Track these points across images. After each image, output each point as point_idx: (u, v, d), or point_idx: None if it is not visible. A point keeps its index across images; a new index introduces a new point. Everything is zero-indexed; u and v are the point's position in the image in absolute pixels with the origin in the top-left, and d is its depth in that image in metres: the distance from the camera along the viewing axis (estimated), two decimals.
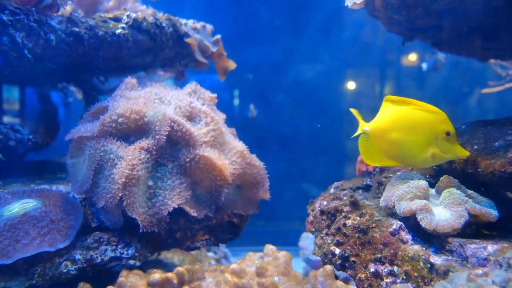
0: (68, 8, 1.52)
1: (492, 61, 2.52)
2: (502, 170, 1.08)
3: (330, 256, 1.23)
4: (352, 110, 1.33)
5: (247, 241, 1.93)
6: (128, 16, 1.65)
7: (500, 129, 1.24)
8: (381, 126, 1.26)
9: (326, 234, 1.32)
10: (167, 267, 2.07)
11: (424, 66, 3.20)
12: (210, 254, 2.59)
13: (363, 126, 1.30)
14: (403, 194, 1.17)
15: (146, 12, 1.72)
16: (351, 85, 3.99)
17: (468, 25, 1.49)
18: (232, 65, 2.10)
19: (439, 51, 2.21)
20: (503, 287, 0.89)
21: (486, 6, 1.29)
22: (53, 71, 1.59)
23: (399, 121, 1.22)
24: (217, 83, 3.82)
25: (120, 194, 1.30)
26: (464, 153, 1.15)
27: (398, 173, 1.29)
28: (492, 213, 1.09)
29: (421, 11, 1.35)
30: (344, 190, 1.53)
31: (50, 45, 1.43)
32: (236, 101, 4.10)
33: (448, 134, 1.14)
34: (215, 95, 1.68)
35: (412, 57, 3.76)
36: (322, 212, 1.40)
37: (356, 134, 1.33)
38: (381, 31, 1.68)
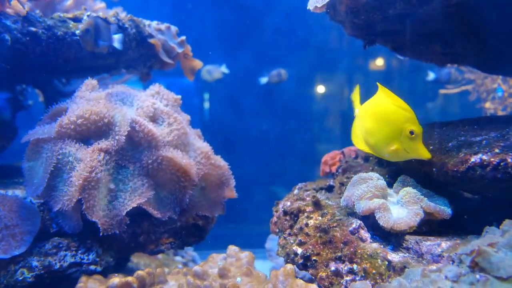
0: (25, 7, 1.47)
1: (449, 65, 2.62)
2: (455, 169, 1.12)
3: (292, 256, 1.25)
4: (355, 91, 1.34)
5: (216, 244, 1.92)
6: (88, 16, 1.62)
7: (454, 130, 1.29)
8: (362, 112, 1.28)
9: (289, 234, 1.33)
10: (132, 271, 2.02)
11: (431, 75, 3.16)
12: (178, 258, 2.56)
13: (356, 108, 1.32)
14: (363, 194, 1.19)
15: (107, 13, 1.68)
16: (319, 89, 4.05)
17: (425, 30, 1.54)
18: (198, 64, 2.10)
19: (398, 55, 2.28)
20: (454, 281, 0.92)
21: (440, 13, 1.34)
22: (9, 72, 1.53)
23: (375, 110, 1.24)
24: (187, 86, 3.79)
25: (77, 197, 1.26)
26: (425, 154, 1.16)
27: (359, 173, 1.32)
28: (445, 211, 1.13)
29: (379, 16, 1.38)
30: (307, 191, 1.55)
31: (5, 45, 1.38)
32: (206, 104, 4.09)
33: (412, 133, 1.15)
34: (179, 96, 1.67)
35: (379, 61, 3.86)
36: (285, 213, 1.41)
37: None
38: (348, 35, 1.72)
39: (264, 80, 3.48)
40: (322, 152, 2.12)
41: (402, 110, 1.17)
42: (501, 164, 1.03)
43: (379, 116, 1.22)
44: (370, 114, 1.25)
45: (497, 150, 1.06)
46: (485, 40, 1.44)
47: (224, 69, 3.32)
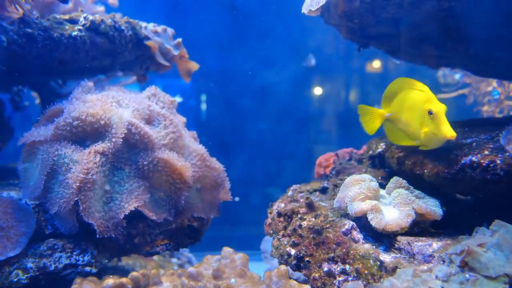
0: (21, 9, 1.48)
1: (444, 68, 2.65)
2: (446, 171, 1.13)
3: (286, 257, 1.26)
4: (361, 106, 1.39)
5: (212, 246, 1.93)
6: (85, 18, 1.63)
7: None
8: (395, 109, 1.32)
9: (283, 235, 1.34)
10: (127, 273, 2.02)
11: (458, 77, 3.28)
12: (174, 260, 2.56)
13: (384, 114, 1.36)
14: (355, 195, 1.21)
15: (104, 15, 1.69)
16: (315, 91, 4.07)
17: (418, 33, 1.56)
18: (194, 66, 2.10)
19: (394, 59, 2.31)
20: (444, 281, 0.93)
21: (432, 17, 1.36)
22: (5, 73, 1.54)
23: (402, 102, 1.28)
24: (183, 87, 3.80)
25: (74, 199, 1.27)
26: (448, 132, 1.11)
27: (352, 175, 1.33)
28: (436, 212, 1.15)
29: (372, 20, 1.40)
30: (301, 192, 1.56)
31: (1, 46, 1.39)
32: (203, 106, 4.10)
33: (430, 113, 1.15)
34: (175, 98, 1.68)
35: (376, 63, 3.88)
36: (279, 214, 1.42)
37: (378, 124, 1.39)
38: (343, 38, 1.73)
39: (312, 61, 3.41)
40: (318, 154, 2.13)
41: (419, 92, 1.19)
42: (491, 165, 1.04)
43: (407, 105, 1.25)
44: (401, 108, 1.28)
45: (486, 152, 1.08)
46: (475, 43, 1.46)
47: (178, 98, 3.35)
